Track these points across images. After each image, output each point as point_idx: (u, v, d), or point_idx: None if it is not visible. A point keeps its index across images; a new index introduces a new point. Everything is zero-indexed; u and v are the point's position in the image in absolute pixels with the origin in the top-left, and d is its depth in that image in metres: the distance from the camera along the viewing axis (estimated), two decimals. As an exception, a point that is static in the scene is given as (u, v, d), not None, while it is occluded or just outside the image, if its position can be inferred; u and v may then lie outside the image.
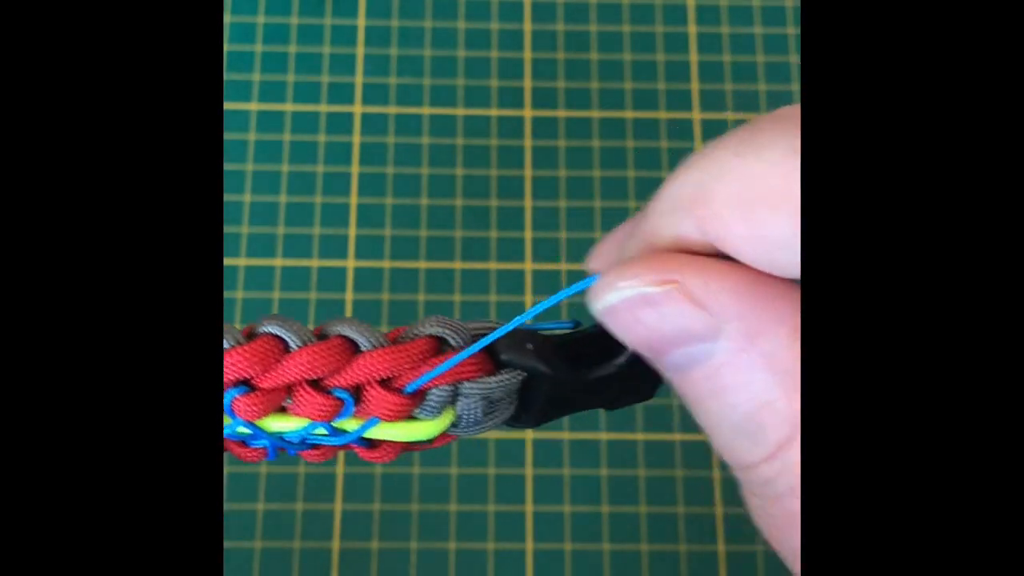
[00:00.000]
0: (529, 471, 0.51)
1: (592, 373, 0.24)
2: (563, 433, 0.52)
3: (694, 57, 0.59)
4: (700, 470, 0.51)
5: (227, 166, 0.55)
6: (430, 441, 0.25)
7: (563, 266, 0.54)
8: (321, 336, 0.24)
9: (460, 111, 0.57)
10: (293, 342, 0.23)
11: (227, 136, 0.56)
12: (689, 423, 0.52)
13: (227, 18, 0.59)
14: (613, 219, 0.55)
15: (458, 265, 0.54)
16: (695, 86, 0.58)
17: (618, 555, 0.50)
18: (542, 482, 0.51)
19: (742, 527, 0.50)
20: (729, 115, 0.58)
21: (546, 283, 0.54)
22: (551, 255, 0.55)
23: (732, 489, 0.51)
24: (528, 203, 0.56)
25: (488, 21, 0.59)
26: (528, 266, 0.54)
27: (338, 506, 0.50)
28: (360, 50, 0.58)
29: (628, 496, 0.51)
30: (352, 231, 0.55)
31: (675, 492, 0.51)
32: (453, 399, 0.24)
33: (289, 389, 0.24)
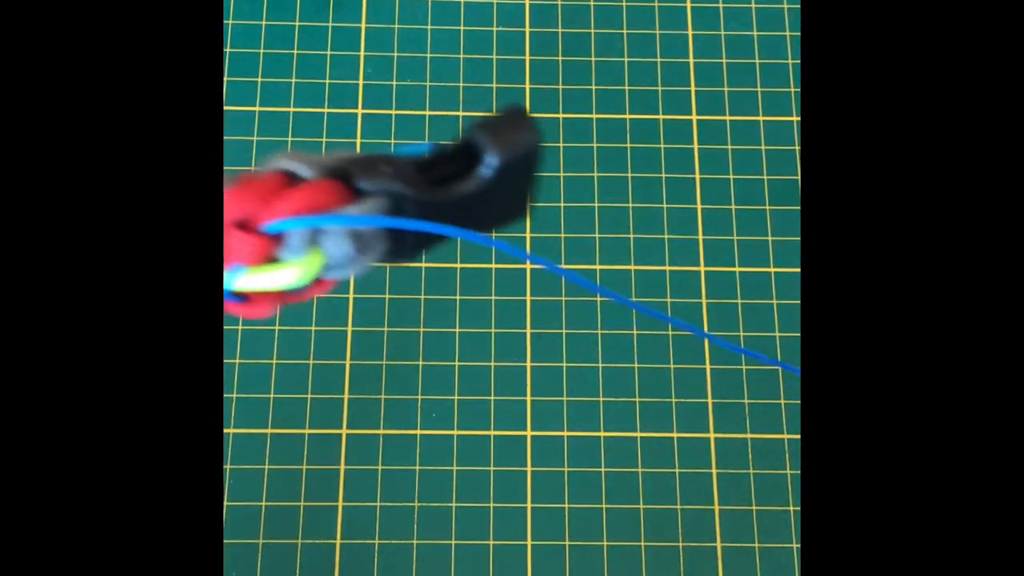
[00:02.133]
0: (529, 468, 0.51)
1: (457, 190, 0.23)
2: (563, 432, 0.52)
3: (692, 59, 0.59)
4: (699, 468, 0.51)
5: (230, 167, 0.56)
6: (304, 289, 0.23)
7: (563, 266, 0.55)
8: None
9: (461, 113, 0.58)
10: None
11: (231, 138, 0.56)
12: (689, 422, 0.53)
13: (230, 21, 0.59)
14: (613, 219, 0.56)
15: (458, 265, 0.55)
16: (693, 88, 0.58)
17: (617, 551, 0.50)
18: (542, 479, 0.51)
19: (741, 524, 0.51)
20: (728, 117, 0.58)
21: (546, 283, 0.54)
22: (551, 255, 0.55)
23: (731, 488, 0.51)
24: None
25: (489, 24, 0.60)
26: (528, 266, 0.55)
27: (340, 503, 0.50)
28: (362, 53, 0.59)
29: (627, 493, 0.51)
30: (354, 231, 0.55)
31: (674, 490, 0.51)
32: (315, 238, 0.22)
33: None
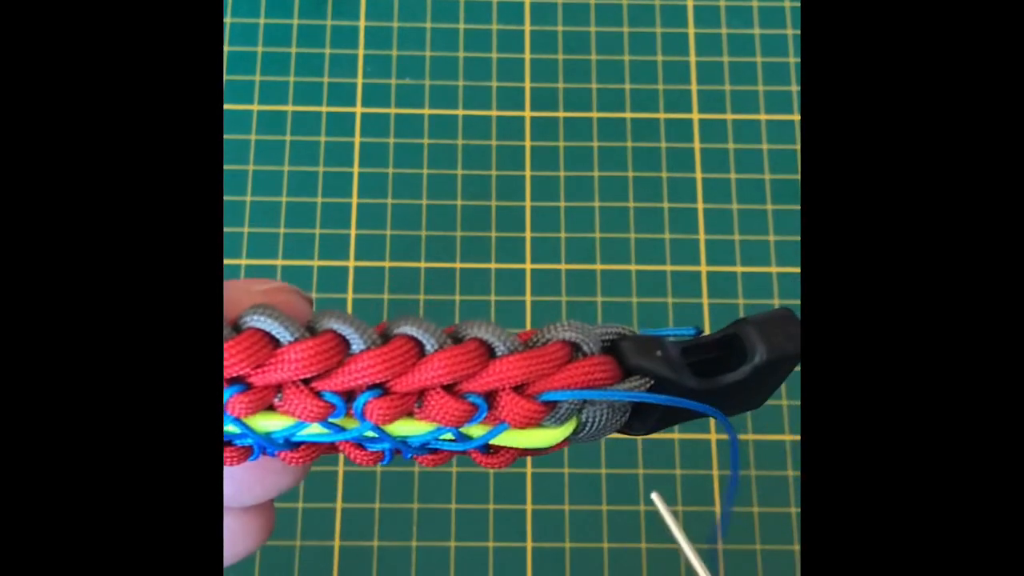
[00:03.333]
0: (529, 469, 0.51)
1: (719, 381, 0.24)
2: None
3: (693, 58, 0.59)
4: (699, 469, 0.51)
5: (229, 167, 0.56)
6: (547, 448, 0.24)
7: (563, 266, 0.54)
8: (455, 339, 0.23)
9: (460, 112, 0.57)
10: (429, 344, 0.23)
11: (229, 137, 0.56)
12: (689, 423, 0.52)
13: (229, 19, 0.59)
14: (613, 219, 0.55)
15: (458, 265, 0.54)
16: (694, 87, 0.58)
17: (617, 553, 0.50)
18: (542, 480, 0.51)
19: (742, 527, 0.51)
20: (729, 115, 0.58)
21: (546, 283, 0.54)
22: (551, 255, 0.55)
23: (735, 489, 0.51)
24: (528, 203, 0.56)
25: (488, 22, 0.59)
26: (528, 266, 0.54)
27: (339, 504, 0.50)
28: (361, 51, 0.59)
29: (627, 494, 0.51)
30: (353, 231, 0.55)
31: (675, 491, 0.51)
32: (581, 407, 0.24)
33: (420, 394, 0.23)
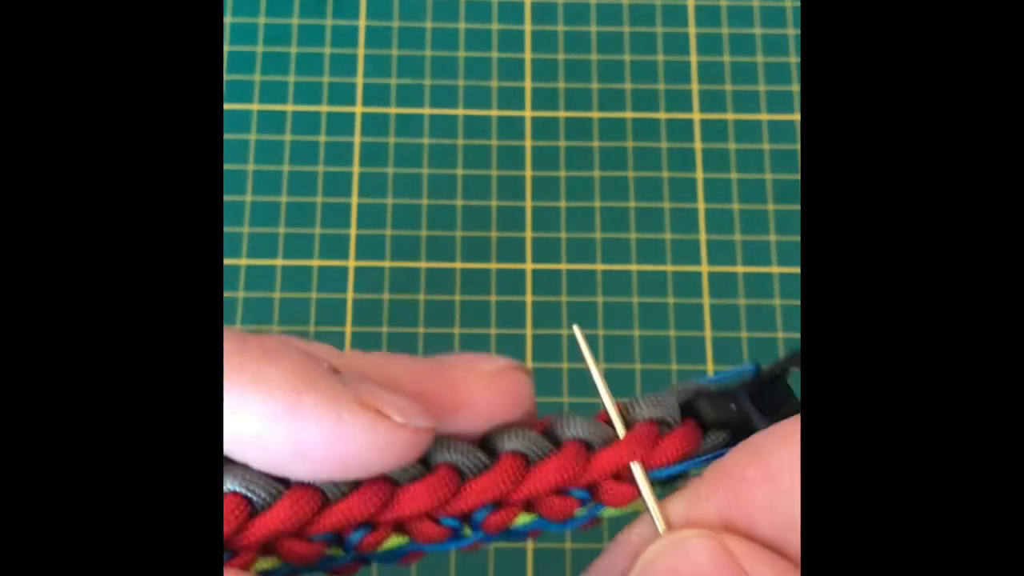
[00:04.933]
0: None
1: (780, 415, 0.25)
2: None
3: (694, 58, 0.59)
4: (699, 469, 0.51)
5: (228, 166, 0.55)
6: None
7: (563, 266, 0.54)
8: (551, 438, 0.24)
9: (460, 111, 0.57)
10: (533, 455, 0.24)
11: (228, 136, 0.56)
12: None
13: (228, 19, 0.59)
14: (613, 219, 0.55)
15: (458, 265, 0.54)
16: (695, 87, 0.58)
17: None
18: (542, 481, 0.51)
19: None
20: (730, 115, 0.58)
21: (546, 283, 0.54)
22: (551, 255, 0.55)
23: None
24: (528, 203, 0.56)
25: (488, 22, 0.59)
26: (528, 266, 0.54)
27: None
28: (361, 51, 0.59)
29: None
30: (353, 231, 0.55)
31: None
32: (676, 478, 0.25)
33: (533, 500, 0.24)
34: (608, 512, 0.25)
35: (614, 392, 0.25)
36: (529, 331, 0.53)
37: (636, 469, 0.24)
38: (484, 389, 0.24)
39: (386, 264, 0.54)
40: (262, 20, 0.59)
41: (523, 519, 0.25)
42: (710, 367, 0.53)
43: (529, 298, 0.54)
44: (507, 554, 0.50)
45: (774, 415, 0.25)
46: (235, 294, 0.54)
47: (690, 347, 0.53)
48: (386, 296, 0.54)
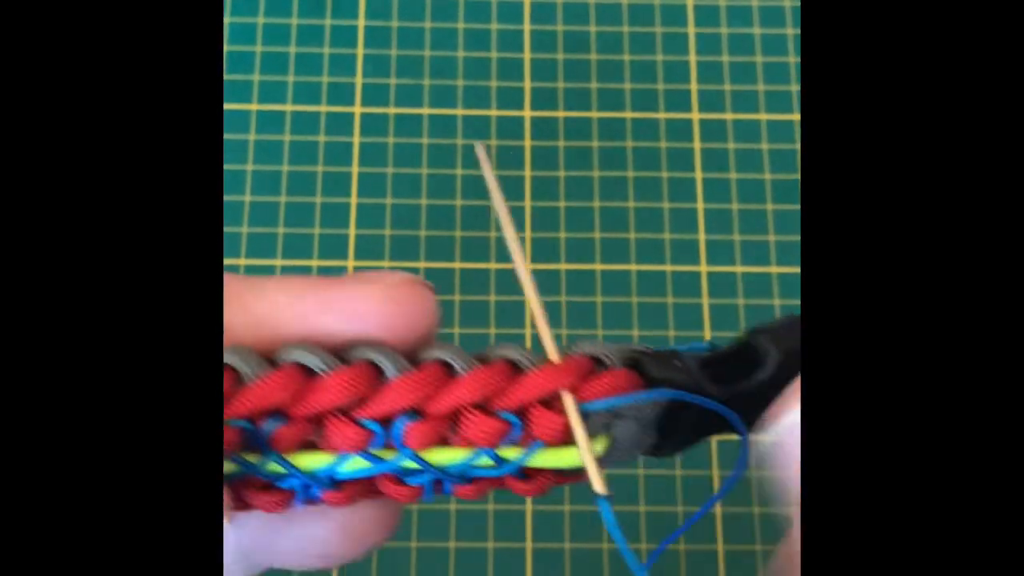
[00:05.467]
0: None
1: (736, 387, 0.25)
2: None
3: (693, 57, 0.59)
4: (699, 470, 0.51)
5: (227, 166, 0.55)
6: (580, 472, 0.24)
7: (563, 266, 0.54)
8: (483, 361, 0.24)
9: (459, 111, 0.57)
10: (458, 367, 0.23)
11: (227, 136, 0.56)
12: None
13: (227, 19, 0.59)
14: (613, 219, 0.55)
15: (457, 265, 0.54)
16: (694, 86, 0.58)
17: (617, 554, 0.50)
18: (542, 481, 0.51)
19: (741, 527, 0.51)
20: (729, 115, 0.58)
21: (546, 283, 0.54)
22: (551, 255, 0.55)
23: (732, 488, 0.51)
24: (528, 203, 0.56)
25: (488, 22, 0.59)
26: (528, 266, 0.54)
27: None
28: (360, 51, 0.59)
29: (628, 495, 0.51)
30: (352, 231, 0.55)
31: (674, 492, 0.51)
32: (610, 423, 0.24)
33: (454, 417, 0.23)
34: (549, 458, 0.24)
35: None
36: (528, 331, 0.53)
37: (566, 397, 0.23)
38: (384, 301, 0.23)
39: (385, 264, 0.54)
40: (261, 20, 0.59)
41: (453, 454, 0.24)
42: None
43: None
44: (507, 554, 0.50)
45: (723, 387, 0.24)
46: (234, 294, 0.53)
47: (689, 347, 0.53)
48: (385, 296, 0.54)
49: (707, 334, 0.53)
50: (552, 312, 0.54)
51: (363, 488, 0.24)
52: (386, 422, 0.23)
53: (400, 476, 0.24)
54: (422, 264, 0.54)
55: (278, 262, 0.54)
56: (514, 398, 0.23)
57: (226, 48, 0.58)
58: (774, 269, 0.55)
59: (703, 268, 0.55)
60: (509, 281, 0.54)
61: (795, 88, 0.58)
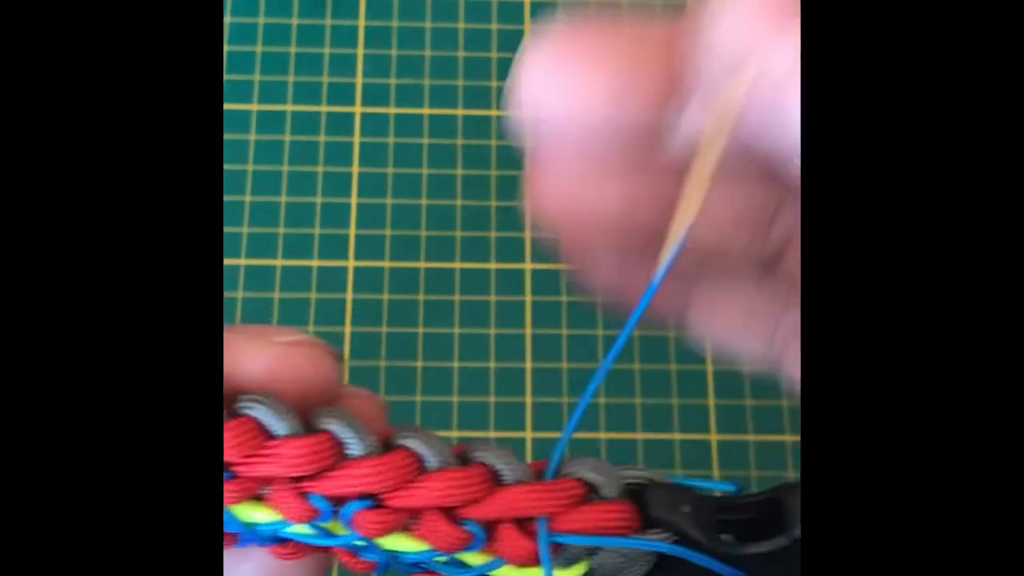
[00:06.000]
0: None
1: (747, 548, 0.21)
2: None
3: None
4: (700, 470, 0.51)
5: (227, 166, 0.55)
6: None
7: (563, 266, 0.54)
8: (462, 459, 0.22)
9: (460, 111, 0.57)
10: (431, 462, 0.21)
11: (228, 136, 0.56)
12: (689, 423, 0.52)
13: (227, 19, 0.59)
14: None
15: (457, 265, 0.54)
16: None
17: None
18: (542, 481, 0.51)
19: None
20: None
21: (546, 283, 0.54)
22: (551, 255, 0.55)
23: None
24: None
25: (488, 22, 0.59)
26: (528, 266, 0.54)
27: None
28: (360, 51, 0.59)
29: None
30: (352, 231, 0.55)
31: (674, 491, 0.51)
32: (593, 551, 0.22)
33: (417, 512, 0.21)
34: (510, 573, 0.22)
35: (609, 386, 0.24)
36: (528, 331, 0.53)
37: (541, 526, 0.21)
38: (271, 358, 0.22)
39: (385, 264, 0.54)
40: (262, 20, 0.59)
41: (408, 543, 0.22)
42: (709, 367, 0.53)
43: (528, 298, 0.54)
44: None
45: (736, 544, 0.21)
46: (234, 294, 0.54)
47: (689, 347, 0.53)
48: (385, 296, 0.54)
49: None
50: (552, 312, 0.54)
51: (309, 550, 0.22)
52: (339, 501, 0.21)
53: (356, 550, 0.22)
54: (422, 264, 0.54)
55: (278, 262, 0.54)
56: (485, 512, 0.21)
57: (226, 48, 0.58)
58: (774, 269, 0.55)
59: (703, 268, 0.55)
60: (509, 281, 0.54)
61: (795, 88, 0.58)
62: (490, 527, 0.21)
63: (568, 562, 0.22)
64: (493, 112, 0.57)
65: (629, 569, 0.22)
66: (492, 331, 0.53)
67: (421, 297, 0.54)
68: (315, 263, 0.54)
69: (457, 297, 0.54)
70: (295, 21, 0.59)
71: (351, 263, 0.54)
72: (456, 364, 0.53)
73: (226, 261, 0.54)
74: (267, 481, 0.21)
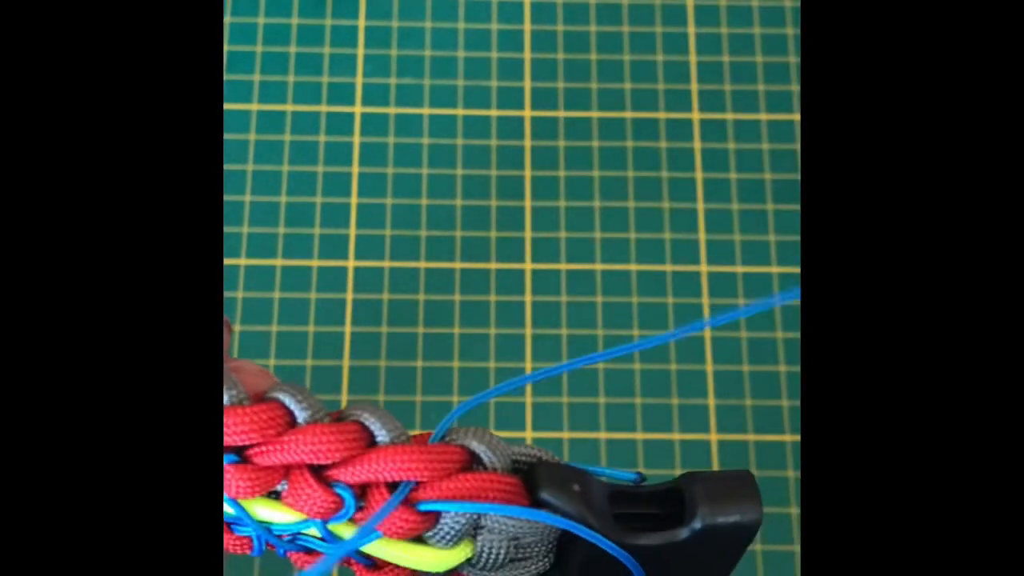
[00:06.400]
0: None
1: (641, 538, 0.20)
2: (563, 432, 0.52)
3: (693, 58, 0.59)
4: (699, 469, 0.51)
5: (228, 166, 0.55)
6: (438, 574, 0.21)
7: (563, 266, 0.54)
8: (338, 417, 0.20)
9: (460, 111, 0.57)
10: (302, 415, 0.20)
11: (228, 136, 0.56)
12: (688, 422, 0.52)
13: (227, 19, 0.59)
14: (613, 219, 0.55)
15: (457, 265, 0.54)
16: (694, 86, 0.58)
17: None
18: (542, 481, 0.51)
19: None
20: (729, 115, 0.58)
21: (546, 283, 0.54)
22: (551, 255, 0.55)
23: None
24: (528, 203, 0.56)
25: (488, 22, 0.59)
26: (528, 266, 0.54)
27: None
28: (360, 51, 0.58)
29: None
30: (352, 231, 0.55)
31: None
32: (474, 531, 0.20)
33: (286, 472, 0.20)
34: (396, 552, 0.20)
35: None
36: (528, 331, 0.53)
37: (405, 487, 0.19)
38: None
39: (385, 264, 0.54)
40: (262, 20, 0.59)
41: (278, 513, 0.20)
42: (709, 367, 0.53)
43: (528, 298, 0.54)
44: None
45: (629, 534, 0.20)
46: (234, 294, 0.54)
47: (689, 347, 0.53)
48: (386, 296, 0.54)
49: (706, 334, 0.53)
50: (552, 312, 0.54)
51: None
52: None
53: (229, 522, 0.21)
54: (422, 264, 0.54)
55: (278, 262, 0.54)
56: (356, 472, 0.20)
57: (226, 48, 0.58)
58: (774, 269, 0.55)
59: (703, 268, 0.55)
60: (509, 281, 0.54)
61: (796, 88, 0.58)
62: (362, 493, 0.20)
63: (447, 539, 0.20)
64: (493, 112, 0.57)
65: (523, 563, 0.21)
66: (492, 331, 0.53)
67: (421, 297, 0.54)
68: (315, 263, 0.54)
69: (457, 297, 0.54)
70: (295, 21, 0.59)
71: (351, 263, 0.54)
72: (456, 364, 0.53)
73: (226, 261, 0.54)
74: None
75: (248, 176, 0.56)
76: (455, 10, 0.59)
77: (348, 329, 0.53)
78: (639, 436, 0.52)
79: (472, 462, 0.21)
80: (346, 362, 0.52)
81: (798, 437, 0.51)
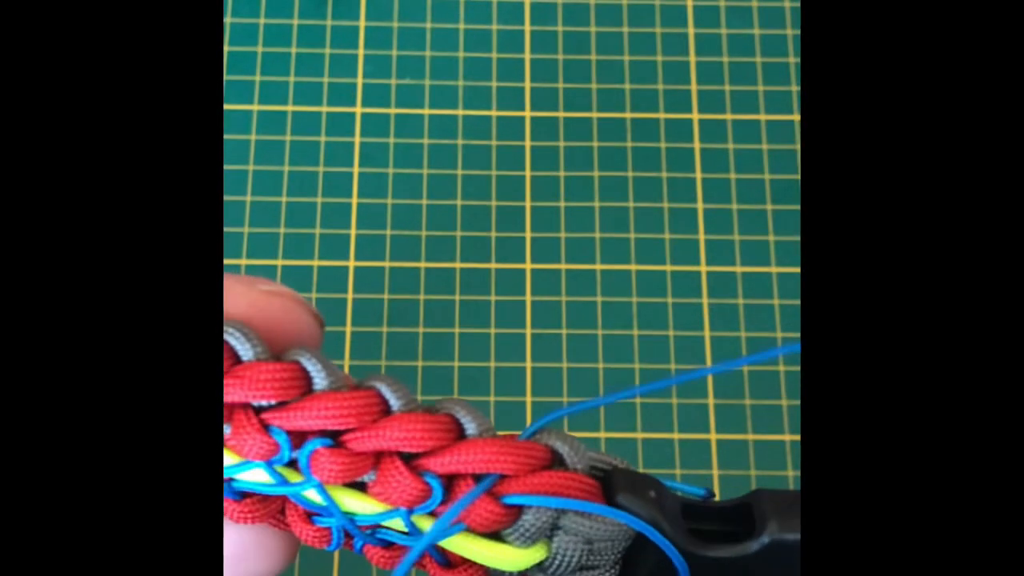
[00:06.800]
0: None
1: (713, 551, 0.21)
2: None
3: (693, 58, 0.59)
4: (700, 469, 0.51)
5: (228, 167, 0.56)
6: (512, 573, 0.21)
7: (563, 266, 0.54)
8: (428, 411, 0.21)
9: (460, 112, 0.57)
10: (396, 404, 0.20)
11: (229, 137, 0.56)
12: (688, 422, 0.52)
13: (228, 19, 0.59)
14: (613, 219, 0.55)
15: (458, 265, 0.54)
16: (694, 87, 0.58)
17: None
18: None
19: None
20: (729, 115, 0.58)
21: (546, 283, 0.54)
22: (551, 255, 0.55)
23: (732, 487, 0.51)
24: (528, 203, 0.56)
25: (488, 22, 0.59)
26: (528, 266, 0.54)
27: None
28: (361, 51, 0.59)
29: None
30: (353, 231, 0.55)
31: (674, 491, 0.51)
32: (551, 531, 0.21)
33: (376, 461, 0.20)
34: (472, 548, 0.20)
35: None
36: (528, 331, 0.53)
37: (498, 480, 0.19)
38: (247, 302, 0.22)
39: (386, 264, 0.54)
40: (262, 20, 0.59)
41: (365, 504, 0.21)
42: (709, 365, 0.53)
43: (529, 298, 0.54)
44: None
45: (700, 545, 0.20)
46: (235, 294, 0.54)
47: (689, 347, 0.53)
48: (386, 296, 0.54)
49: (706, 334, 0.53)
50: (552, 312, 0.54)
51: (268, 512, 0.21)
52: (298, 439, 0.20)
53: (311, 512, 0.21)
54: (422, 264, 0.54)
55: (279, 262, 0.54)
56: (446, 463, 0.20)
57: (227, 48, 0.58)
58: (774, 269, 0.55)
59: (703, 268, 0.55)
60: (509, 281, 0.54)
61: (795, 88, 0.58)
62: (449, 484, 0.20)
63: (526, 536, 0.21)
64: (493, 112, 0.57)
65: (590, 571, 0.21)
66: (492, 331, 0.53)
67: (421, 297, 0.54)
68: (315, 263, 0.54)
69: (457, 297, 0.54)
70: (295, 21, 0.59)
71: (351, 263, 0.54)
72: (456, 364, 0.53)
73: (226, 261, 0.54)
74: (229, 411, 0.20)
75: (249, 176, 0.56)
76: (455, 11, 0.59)
77: (348, 329, 0.53)
78: (639, 436, 0.52)
79: (555, 462, 0.21)
80: (347, 362, 0.52)
81: (798, 437, 0.51)
